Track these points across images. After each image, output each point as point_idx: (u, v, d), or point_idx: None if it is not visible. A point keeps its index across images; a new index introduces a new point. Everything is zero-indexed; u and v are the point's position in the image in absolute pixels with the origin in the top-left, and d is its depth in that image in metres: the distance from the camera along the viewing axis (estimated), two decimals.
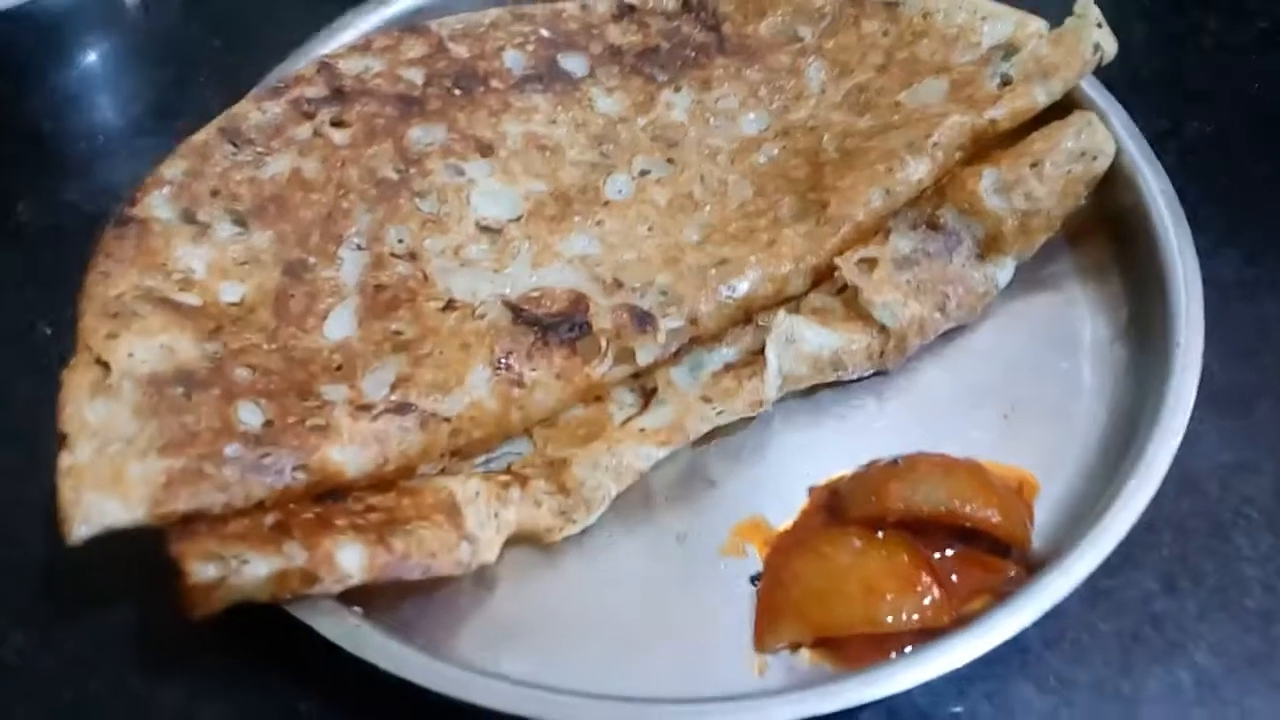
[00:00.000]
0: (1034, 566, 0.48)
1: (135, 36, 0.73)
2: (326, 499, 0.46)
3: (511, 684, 0.44)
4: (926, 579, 0.46)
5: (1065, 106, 0.58)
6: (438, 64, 0.62)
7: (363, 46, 0.62)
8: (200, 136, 0.55)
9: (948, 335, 0.56)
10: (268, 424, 0.46)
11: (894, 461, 0.50)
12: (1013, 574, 0.48)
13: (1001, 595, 0.46)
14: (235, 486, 0.44)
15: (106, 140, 0.68)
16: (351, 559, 0.43)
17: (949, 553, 0.48)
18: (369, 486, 0.48)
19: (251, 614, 0.44)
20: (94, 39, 0.71)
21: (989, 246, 0.57)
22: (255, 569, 0.41)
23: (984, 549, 0.48)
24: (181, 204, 0.53)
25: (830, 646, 0.47)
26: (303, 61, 0.61)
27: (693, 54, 0.65)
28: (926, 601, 0.46)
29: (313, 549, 0.42)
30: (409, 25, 0.64)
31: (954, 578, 0.47)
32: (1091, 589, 0.47)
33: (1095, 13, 0.57)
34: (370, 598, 0.45)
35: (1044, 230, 0.57)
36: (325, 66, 0.60)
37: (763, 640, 0.47)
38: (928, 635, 0.46)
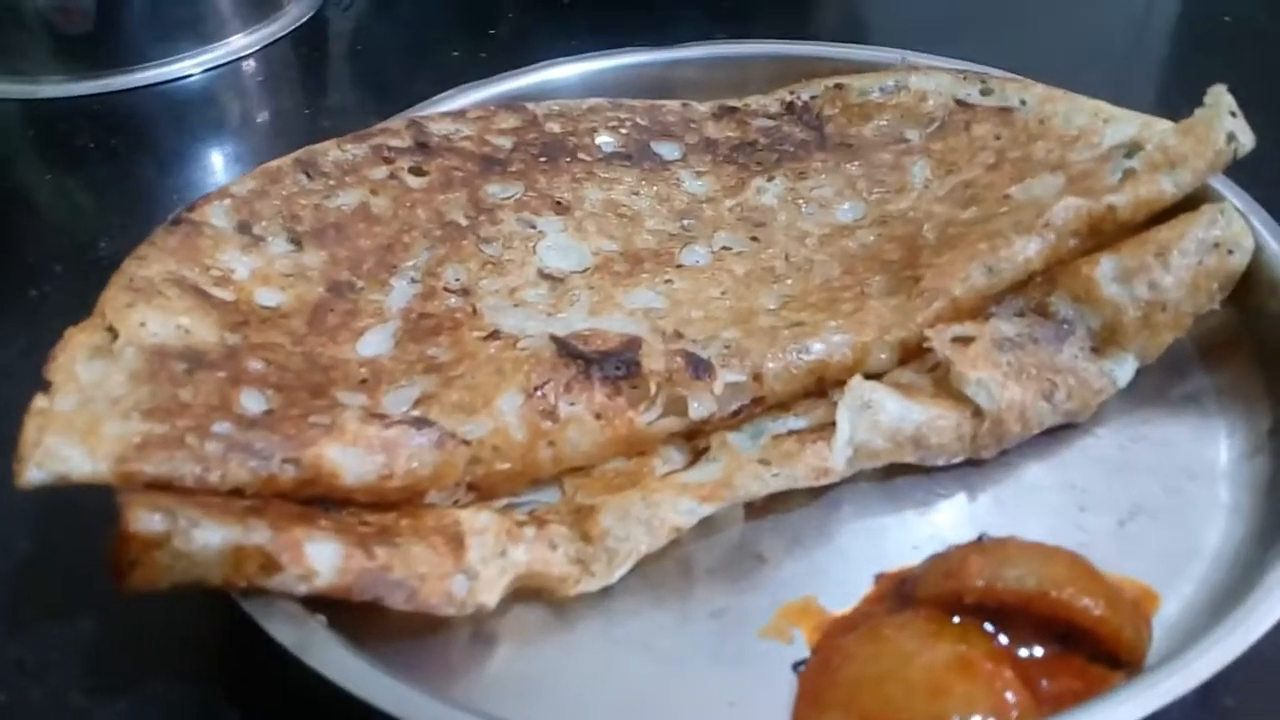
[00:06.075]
0: None
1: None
2: (316, 505, 0.41)
3: None
4: (1007, 674, 0.37)
5: (1195, 203, 0.52)
6: (528, 135, 0.61)
7: (456, 114, 0.62)
8: (275, 163, 0.55)
9: (1057, 434, 0.49)
10: (268, 412, 0.42)
11: (979, 539, 0.42)
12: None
13: None
14: (213, 462, 0.39)
15: None
16: (323, 554, 0.37)
17: (1039, 653, 0.39)
18: (367, 504, 0.42)
19: (207, 639, 0.40)
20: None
21: (1106, 339, 0.50)
22: (207, 535, 0.36)
23: (1086, 656, 0.39)
24: (240, 216, 0.51)
25: None
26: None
27: (791, 149, 0.62)
28: (1007, 699, 0.37)
29: (280, 531, 0.37)
30: (506, 103, 0.63)
31: (1044, 683, 0.38)
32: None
33: (1228, 100, 0.52)
34: (356, 630, 0.39)
35: (1171, 328, 0.50)
36: (414, 124, 0.60)
37: None
38: None
